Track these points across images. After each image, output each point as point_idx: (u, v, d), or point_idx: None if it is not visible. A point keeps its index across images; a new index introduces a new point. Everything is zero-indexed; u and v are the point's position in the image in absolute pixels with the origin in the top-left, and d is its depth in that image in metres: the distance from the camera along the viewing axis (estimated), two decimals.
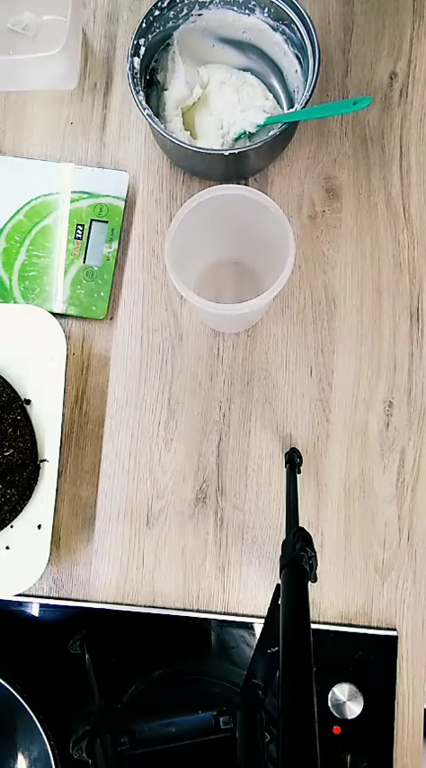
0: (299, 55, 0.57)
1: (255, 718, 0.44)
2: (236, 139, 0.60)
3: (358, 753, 0.53)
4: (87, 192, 0.61)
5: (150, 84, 0.60)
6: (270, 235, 0.48)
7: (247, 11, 0.58)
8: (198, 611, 0.57)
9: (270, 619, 0.45)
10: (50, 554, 0.54)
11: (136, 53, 0.55)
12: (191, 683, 0.56)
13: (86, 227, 0.60)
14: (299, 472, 0.56)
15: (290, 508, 0.50)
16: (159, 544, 0.58)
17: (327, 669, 0.54)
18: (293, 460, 0.55)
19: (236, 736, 0.44)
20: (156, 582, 0.57)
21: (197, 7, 0.58)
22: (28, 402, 0.57)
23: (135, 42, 0.54)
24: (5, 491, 0.54)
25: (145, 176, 0.62)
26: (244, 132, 0.59)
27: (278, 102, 0.61)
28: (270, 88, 0.61)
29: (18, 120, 0.64)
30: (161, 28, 0.57)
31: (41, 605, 0.57)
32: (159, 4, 0.55)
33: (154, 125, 0.53)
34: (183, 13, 0.58)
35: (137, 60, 0.55)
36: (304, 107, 0.53)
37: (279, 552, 0.44)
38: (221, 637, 0.56)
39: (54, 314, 0.58)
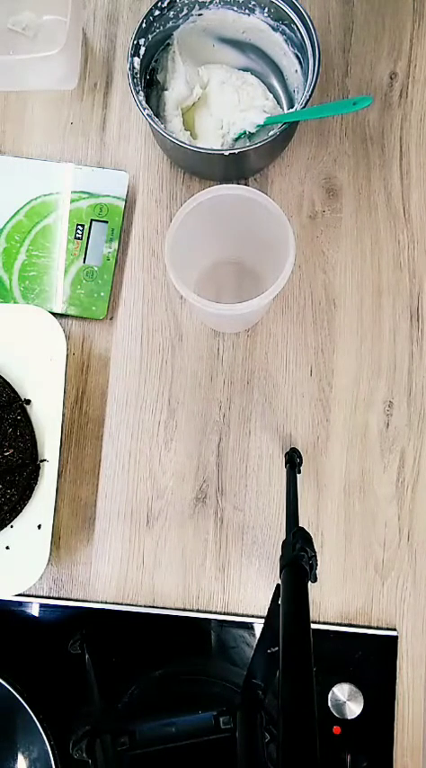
0: (299, 55, 0.57)
1: (255, 718, 0.44)
2: (236, 139, 0.60)
3: (358, 753, 0.53)
4: (87, 192, 0.61)
5: (150, 84, 0.60)
6: (270, 235, 0.48)
7: (247, 11, 0.58)
8: (198, 611, 0.57)
9: (270, 619, 0.45)
10: (50, 554, 0.54)
11: (136, 53, 0.55)
12: (191, 683, 0.56)
13: (86, 227, 0.60)
14: (299, 472, 0.56)
15: (290, 508, 0.50)
16: (159, 544, 0.58)
17: (327, 669, 0.54)
18: (293, 460, 0.55)
19: (236, 736, 0.44)
20: (156, 582, 0.57)
21: (197, 7, 0.58)
22: (28, 402, 0.57)
23: (135, 42, 0.54)
24: (5, 491, 0.54)
25: (145, 176, 0.62)
26: (244, 132, 0.59)
27: (278, 102, 0.61)
28: (270, 88, 0.61)
29: (18, 120, 0.64)
30: (161, 28, 0.57)
31: (41, 605, 0.57)
32: (159, 4, 0.55)
33: (154, 125, 0.53)
34: (183, 13, 0.58)
35: (137, 60, 0.55)
36: (304, 107, 0.53)
37: (279, 552, 0.44)
38: (221, 637, 0.56)
39: (54, 314, 0.58)
